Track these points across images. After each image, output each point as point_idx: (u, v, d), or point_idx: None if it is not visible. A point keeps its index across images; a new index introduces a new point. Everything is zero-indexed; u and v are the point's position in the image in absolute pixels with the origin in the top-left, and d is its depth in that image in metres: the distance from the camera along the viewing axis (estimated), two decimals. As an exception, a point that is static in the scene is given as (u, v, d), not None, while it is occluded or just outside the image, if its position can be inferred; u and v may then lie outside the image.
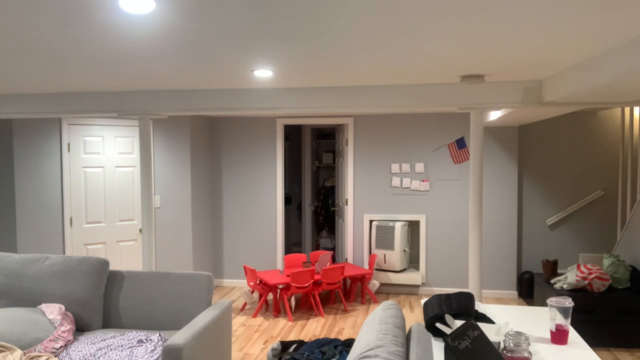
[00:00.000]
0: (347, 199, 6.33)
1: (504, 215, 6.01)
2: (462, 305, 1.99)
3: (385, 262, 6.09)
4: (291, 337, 4.70)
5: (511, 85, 3.57)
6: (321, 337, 4.47)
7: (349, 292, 5.89)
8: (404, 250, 6.09)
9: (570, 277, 4.52)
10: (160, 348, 3.01)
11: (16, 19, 1.97)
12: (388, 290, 6.27)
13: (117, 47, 2.48)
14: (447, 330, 1.72)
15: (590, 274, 4.41)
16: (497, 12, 1.88)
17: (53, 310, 3.21)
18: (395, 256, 6.02)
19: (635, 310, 4.33)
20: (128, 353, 2.93)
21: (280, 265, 6.44)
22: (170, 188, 5.85)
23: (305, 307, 5.61)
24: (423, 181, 6.12)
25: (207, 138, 6.37)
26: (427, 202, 6.14)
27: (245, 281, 6.49)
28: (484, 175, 6.03)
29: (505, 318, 2.19)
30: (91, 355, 2.91)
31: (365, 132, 6.25)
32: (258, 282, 5.44)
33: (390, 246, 6.03)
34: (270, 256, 6.48)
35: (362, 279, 5.76)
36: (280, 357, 3.34)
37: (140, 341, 3.09)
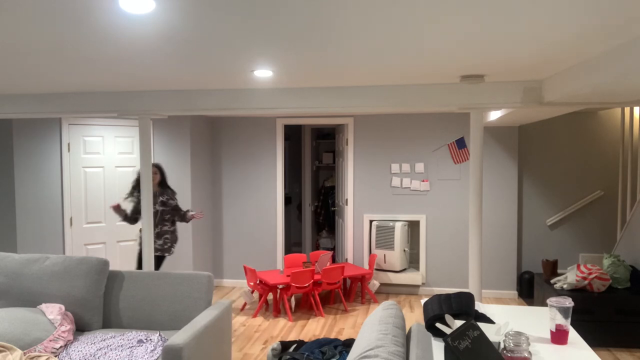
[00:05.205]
0: (347, 199, 6.33)
1: (504, 215, 6.01)
2: (462, 305, 1.99)
3: (385, 262, 6.09)
4: (291, 337, 4.70)
5: (511, 85, 3.57)
6: (321, 337, 4.47)
7: (349, 292, 5.89)
8: (404, 250, 6.09)
9: (570, 277, 4.52)
10: (160, 348, 3.01)
11: (16, 19, 1.97)
12: (388, 290, 6.27)
13: (117, 47, 2.48)
14: (447, 330, 1.72)
15: (590, 274, 4.41)
16: (497, 12, 1.88)
17: (53, 310, 3.21)
18: (395, 256, 6.02)
19: (635, 310, 4.33)
20: (128, 353, 2.93)
21: (280, 265, 6.44)
22: (170, 188, 5.84)
23: (305, 307, 5.61)
24: (423, 181, 6.12)
25: (207, 138, 6.37)
26: (427, 202, 6.14)
27: (245, 281, 6.49)
28: (484, 175, 6.03)
29: (505, 318, 2.19)
30: (91, 355, 2.91)
31: (365, 132, 6.25)
32: (258, 282, 5.44)
33: (390, 246, 6.03)
34: (270, 256, 6.48)
35: (362, 279, 5.76)
36: (280, 357, 3.34)
37: (140, 341, 3.08)
